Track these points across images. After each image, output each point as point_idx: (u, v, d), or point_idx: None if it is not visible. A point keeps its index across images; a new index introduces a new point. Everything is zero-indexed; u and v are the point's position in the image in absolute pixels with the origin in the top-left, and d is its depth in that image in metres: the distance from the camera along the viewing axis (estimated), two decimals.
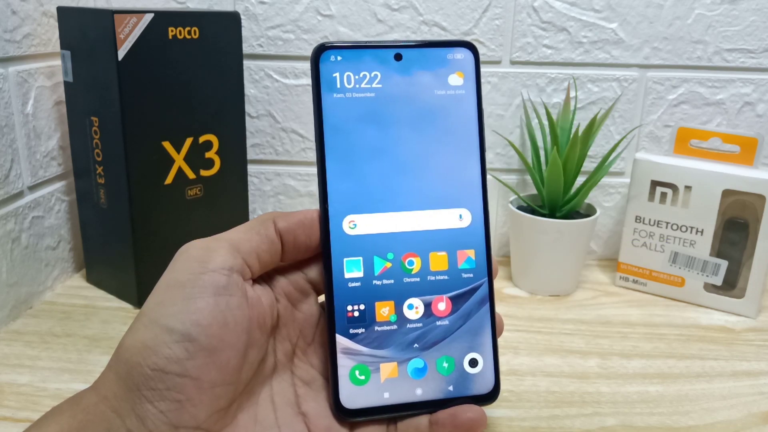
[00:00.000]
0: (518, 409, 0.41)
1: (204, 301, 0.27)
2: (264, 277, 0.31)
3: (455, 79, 0.33)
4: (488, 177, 0.63)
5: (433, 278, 0.32)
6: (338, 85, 0.32)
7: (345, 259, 0.31)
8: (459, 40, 0.35)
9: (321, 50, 0.31)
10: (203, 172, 0.55)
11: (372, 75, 0.32)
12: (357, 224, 0.32)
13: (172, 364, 0.25)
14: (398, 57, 0.32)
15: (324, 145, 0.31)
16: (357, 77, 0.32)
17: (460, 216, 0.33)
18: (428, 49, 0.33)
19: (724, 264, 0.54)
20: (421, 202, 0.32)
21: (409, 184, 0.32)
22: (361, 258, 0.32)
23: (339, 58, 0.32)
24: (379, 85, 0.32)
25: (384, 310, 0.32)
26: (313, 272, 0.32)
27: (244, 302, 0.28)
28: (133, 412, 0.25)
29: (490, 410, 0.40)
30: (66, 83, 0.52)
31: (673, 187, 0.55)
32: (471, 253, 0.33)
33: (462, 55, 0.33)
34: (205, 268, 0.27)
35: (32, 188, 0.53)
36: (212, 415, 0.27)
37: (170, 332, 0.26)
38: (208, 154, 0.55)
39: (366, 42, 0.32)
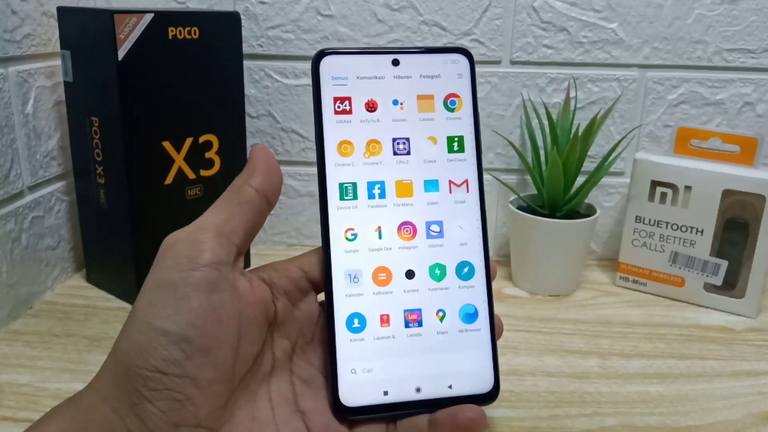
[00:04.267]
0: (518, 409, 0.41)
1: (197, 301, 0.26)
2: (263, 276, 0.31)
3: (452, 84, 0.33)
4: (488, 177, 0.63)
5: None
6: (337, 76, 0.32)
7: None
8: (455, 46, 0.36)
9: (321, 56, 0.32)
10: (203, 172, 0.55)
11: (371, 80, 0.32)
12: None
13: (170, 366, 0.25)
14: (396, 62, 0.33)
15: (324, 148, 0.32)
16: (356, 82, 0.32)
17: None
18: (425, 54, 0.33)
19: (724, 264, 0.54)
20: None
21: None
22: None
23: (338, 63, 0.32)
24: (377, 76, 0.32)
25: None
26: (313, 271, 0.32)
27: (235, 296, 0.28)
28: (133, 412, 0.25)
29: (490, 410, 0.40)
30: (66, 83, 0.52)
31: (673, 187, 0.55)
32: (469, 252, 0.33)
33: (458, 60, 0.33)
34: (194, 265, 0.27)
35: (32, 188, 0.53)
36: (212, 413, 0.27)
37: (166, 334, 0.25)
38: (208, 154, 0.55)
39: (365, 48, 0.33)
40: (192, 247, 0.27)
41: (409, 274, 0.32)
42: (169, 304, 0.26)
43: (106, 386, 0.26)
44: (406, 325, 0.32)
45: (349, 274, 0.31)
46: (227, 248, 0.28)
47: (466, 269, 0.32)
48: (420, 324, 0.32)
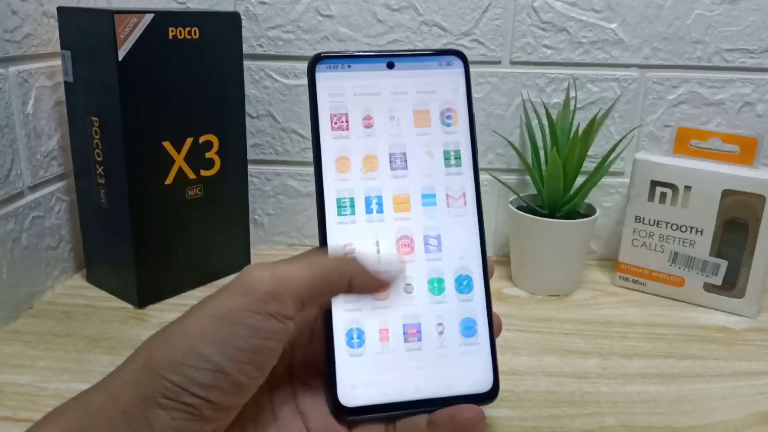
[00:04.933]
0: (518, 408, 0.41)
1: (249, 343, 0.26)
2: None
3: (447, 87, 0.34)
4: (488, 177, 0.63)
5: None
6: (334, 93, 0.32)
7: None
8: (449, 49, 0.36)
9: (317, 59, 0.32)
10: (203, 172, 0.55)
11: (366, 83, 0.33)
12: None
13: (195, 387, 0.25)
14: (391, 65, 0.33)
15: (321, 151, 0.32)
16: (352, 85, 0.32)
17: None
18: (420, 57, 0.33)
19: (723, 264, 0.54)
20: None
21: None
22: None
23: (334, 66, 0.32)
24: (373, 92, 0.33)
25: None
26: None
27: (282, 345, 0.28)
28: (143, 415, 0.25)
29: (490, 410, 0.40)
30: (66, 83, 0.52)
31: (673, 187, 0.55)
32: (468, 265, 0.33)
33: (453, 63, 0.34)
34: (263, 310, 0.26)
35: (32, 188, 0.53)
36: (220, 428, 0.27)
37: (204, 359, 0.25)
38: (208, 154, 0.55)
39: (360, 52, 0.33)
40: (270, 293, 0.27)
41: (408, 289, 0.32)
42: (221, 334, 0.26)
43: (121, 388, 0.26)
44: (405, 340, 0.32)
45: None
46: (299, 308, 0.28)
47: (465, 282, 0.33)
48: (419, 339, 0.32)
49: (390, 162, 0.33)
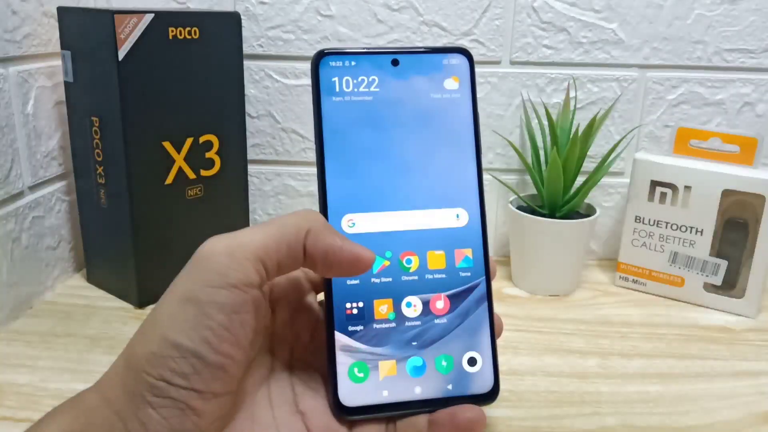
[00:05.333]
0: (518, 408, 0.41)
1: (217, 320, 0.26)
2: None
3: (451, 84, 0.33)
4: (488, 177, 0.63)
5: (431, 276, 0.32)
6: (337, 89, 0.32)
7: None
8: (454, 46, 0.35)
9: (320, 56, 0.32)
10: (203, 172, 0.56)
11: (370, 79, 0.33)
12: (356, 223, 0.32)
13: (177, 378, 0.25)
14: (395, 62, 0.33)
15: (323, 147, 0.32)
16: (355, 82, 0.32)
17: (457, 215, 0.33)
18: (425, 54, 0.33)
19: (723, 264, 0.54)
20: (418, 201, 0.33)
21: (407, 184, 0.33)
22: None
23: (338, 63, 0.32)
24: (377, 89, 0.33)
25: (382, 308, 0.32)
26: (311, 271, 0.32)
27: (255, 316, 0.27)
28: (135, 416, 0.25)
29: (490, 410, 0.40)
30: (66, 83, 0.52)
31: (673, 187, 0.55)
32: (468, 252, 0.33)
33: (457, 60, 0.34)
34: (224, 283, 0.26)
35: (32, 188, 0.53)
36: (214, 422, 0.27)
37: (178, 348, 0.25)
38: (208, 154, 0.55)
39: (364, 48, 0.33)
40: (227, 262, 0.26)
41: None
42: (188, 318, 0.25)
43: (111, 388, 0.26)
44: (406, 321, 0.32)
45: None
46: (262, 272, 0.27)
47: (465, 265, 0.33)
48: (424, 314, 0.32)
49: None
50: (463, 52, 0.34)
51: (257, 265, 0.27)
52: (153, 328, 0.26)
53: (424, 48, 0.34)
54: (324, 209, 0.32)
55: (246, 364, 0.28)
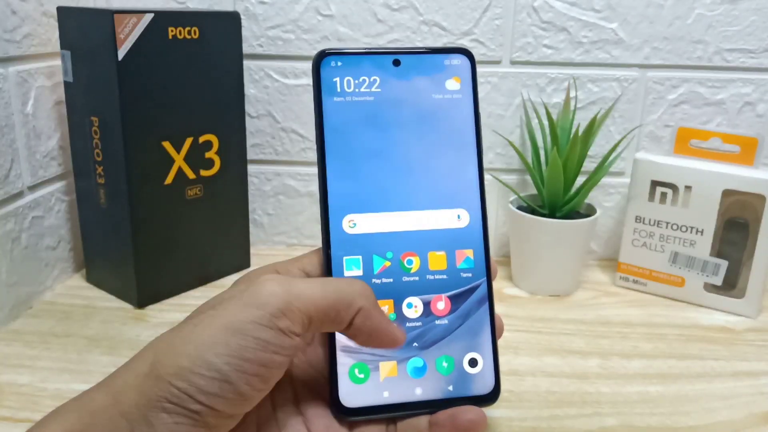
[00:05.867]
0: (518, 409, 0.41)
1: (257, 356, 0.26)
2: None
3: (452, 84, 0.33)
4: (488, 177, 0.63)
5: (431, 277, 0.32)
6: (338, 90, 0.32)
7: (344, 258, 0.32)
8: (456, 47, 0.35)
9: (322, 56, 0.32)
10: (203, 172, 0.55)
11: (371, 80, 0.33)
12: (356, 223, 0.32)
13: (200, 395, 0.25)
14: (397, 63, 0.33)
15: (324, 147, 0.32)
16: (356, 82, 0.32)
17: (458, 216, 0.33)
18: (426, 55, 0.33)
19: (724, 264, 0.54)
20: (419, 202, 0.33)
21: (408, 184, 0.33)
22: (360, 256, 0.32)
23: (339, 63, 0.32)
24: (378, 90, 0.33)
25: (383, 309, 0.32)
26: (314, 271, 0.32)
27: (290, 361, 0.28)
28: (143, 418, 0.25)
29: (491, 410, 0.40)
30: (66, 83, 0.52)
31: (673, 187, 0.55)
32: (469, 253, 0.33)
33: (459, 60, 0.34)
34: (274, 326, 0.26)
35: (32, 188, 0.53)
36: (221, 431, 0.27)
37: (211, 368, 0.25)
38: (208, 154, 0.55)
39: (365, 48, 0.33)
40: (282, 309, 0.27)
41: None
42: (231, 345, 0.26)
43: (125, 390, 0.26)
44: (407, 322, 0.32)
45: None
46: (306, 324, 0.27)
47: (466, 266, 0.33)
48: (425, 315, 0.32)
49: None
50: (465, 52, 0.34)
51: (306, 320, 0.27)
52: (189, 346, 0.26)
53: (426, 48, 0.34)
54: (325, 209, 0.32)
55: (265, 394, 0.28)
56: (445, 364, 0.32)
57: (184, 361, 0.25)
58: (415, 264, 0.32)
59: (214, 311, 0.27)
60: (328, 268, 0.31)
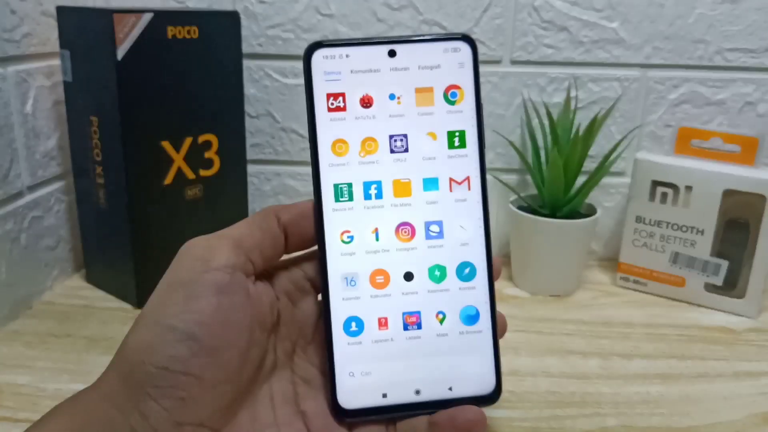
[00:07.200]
0: (519, 409, 0.41)
1: (206, 301, 0.26)
2: (264, 275, 0.31)
3: (452, 74, 0.32)
4: (489, 177, 0.63)
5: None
6: (330, 71, 0.31)
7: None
8: (454, 33, 0.33)
9: (313, 49, 0.31)
10: (203, 172, 0.55)
11: (365, 71, 0.31)
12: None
13: (176, 363, 0.25)
14: (392, 53, 0.31)
15: (317, 141, 0.31)
16: (350, 76, 0.31)
17: None
18: (423, 43, 0.31)
19: (724, 264, 0.54)
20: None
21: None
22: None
23: (331, 55, 0.31)
24: (373, 83, 0.31)
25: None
26: (312, 270, 0.32)
27: (247, 301, 0.28)
28: (136, 409, 0.25)
29: (491, 411, 0.40)
30: (65, 83, 0.52)
31: (674, 187, 0.55)
32: (471, 253, 0.32)
33: (459, 48, 0.32)
34: (207, 267, 0.27)
35: (31, 188, 0.53)
36: (215, 413, 0.27)
37: (173, 331, 0.26)
38: (207, 154, 0.55)
39: (359, 39, 0.31)
40: (207, 251, 0.28)
41: (408, 276, 0.31)
42: (178, 302, 0.26)
43: (109, 384, 0.26)
44: (405, 328, 0.31)
45: (346, 278, 0.31)
46: (242, 257, 0.28)
47: (467, 270, 0.32)
48: (419, 326, 0.31)
49: (390, 144, 0.31)
50: (466, 38, 0.32)
51: (237, 251, 0.28)
52: (144, 319, 0.27)
53: (423, 36, 0.32)
54: (318, 204, 0.31)
55: (243, 353, 0.28)
56: (445, 365, 0.31)
57: (147, 335, 0.26)
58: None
59: (158, 285, 0.28)
60: (324, 271, 0.31)
